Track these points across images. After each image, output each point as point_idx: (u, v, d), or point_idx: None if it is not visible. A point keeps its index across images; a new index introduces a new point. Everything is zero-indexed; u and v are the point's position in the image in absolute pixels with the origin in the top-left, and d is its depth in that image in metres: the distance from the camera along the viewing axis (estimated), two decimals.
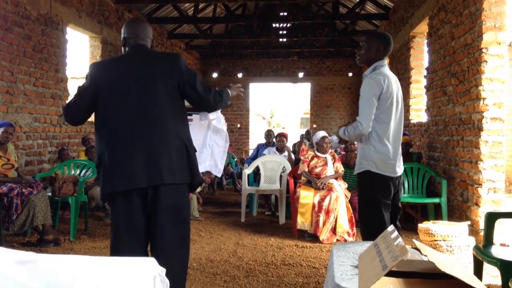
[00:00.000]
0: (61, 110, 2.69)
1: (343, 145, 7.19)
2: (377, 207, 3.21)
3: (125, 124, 2.43)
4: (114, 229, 2.53)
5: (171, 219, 2.48)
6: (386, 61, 3.32)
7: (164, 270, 1.52)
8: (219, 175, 3.88)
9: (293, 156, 7.19)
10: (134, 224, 2.46)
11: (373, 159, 3.19)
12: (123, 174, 2.40)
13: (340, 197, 5.32)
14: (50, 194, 5.37)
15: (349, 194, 5.65)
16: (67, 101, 2.65)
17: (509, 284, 2.42)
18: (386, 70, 3.28)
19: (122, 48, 2.67)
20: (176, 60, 2.56)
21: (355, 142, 6.88)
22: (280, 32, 14.29)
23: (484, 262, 3.06)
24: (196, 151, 2.63)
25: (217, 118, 3.46)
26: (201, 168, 3.83)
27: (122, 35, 2.65)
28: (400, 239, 1.54)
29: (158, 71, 2.49)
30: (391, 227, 1.72)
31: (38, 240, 4.89)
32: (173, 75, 2.50)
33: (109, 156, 2.44)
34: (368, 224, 3.29)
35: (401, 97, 3.34)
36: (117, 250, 2.49)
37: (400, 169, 3.30)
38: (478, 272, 3.14)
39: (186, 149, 2.50)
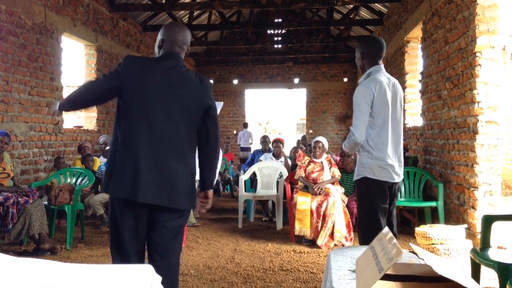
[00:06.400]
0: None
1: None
2: (374, 211, 3.21)
3: (146, 138, 2.40)
4: (114, 232, 2.51)
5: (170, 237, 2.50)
6: (382, 66, 3.31)
7: (160, 278, 1.52)
8: (213, 184, 3.88)
9: (289, 162, 7.19)
10: (136, 232, 2.47)
11: (369, 166, 3.19)
12: (131, 184, 2.36)
13: (337, 202, 5.32)
14: (46, 202, 5.34)
15: (346, 199, 5.65)
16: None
17: (507, 286, 2.42)
18: (380, 75, 3.23)
19: (157, 50, 2.61)
20: (209, 87, 2.56)
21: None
22: (275, 38, 14.36)
23: (482, 265, 3.06)
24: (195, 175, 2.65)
25: None
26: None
27: (160, 37, 2.57)
28: (394, 241, 1.54)
29: (190, 94, 2.47)
30: (386, 229, 1.72)
31: (35, 249, 4.86)
32: (202, 102, 2.50)
33: (122, 161, 2.40)
34: (365, 229, 3.30)
35: (401, 101, 3.32)
36: (118, 252, 2.49)
37: (398, 176, 3.27)
38: (476, 275, 3.15)
39: (191, 176, 2.52)
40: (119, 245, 2.48)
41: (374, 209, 3.21)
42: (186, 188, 2.47)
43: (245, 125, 15.07)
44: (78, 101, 2.55)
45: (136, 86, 2.43)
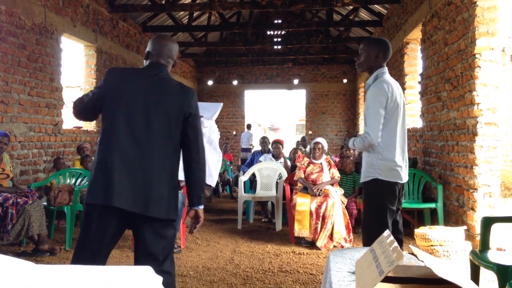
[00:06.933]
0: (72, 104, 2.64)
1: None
2: (383, 213, 3.22)
3: (123, 143, 2.39)
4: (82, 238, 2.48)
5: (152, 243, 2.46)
6: (386, 67, 3.32)
7: (160, 278, 1.51)
8: (213, 185, 3.88)
9: (289, 163, 7.19)
10: (104, 238, 2.43)
11: (380, 167, 3.19)
12: (105, 190, 2.35)
13: (336, 203, 5.31)
14: (45, 203, 5.34)
15: (345, 200, 5.65)
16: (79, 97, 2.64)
17: None
18: (388, 77, 3.28)
19: (144, 61, 2.65)
20: (190, 95, 2.53)
21: (351, 149, 6.90)
22: (275, 39, 14.36)
23: (481, 267, 3.06)
24: (179, 184, 2.58)
25: (210, 127, 3.48)
26: None
27: (147, 49, 2.62)
28: (395, 244, 1.54)
29: (169, 100, 2.46)
30: (387, 232, 1.72)
31: (34, 250, 4.86)
32: (182, 108, 2.47)
33: (101, 168, 2.40)
34: (372, 230, 3.28)
35: (403, 103, 3.35)
36: (80, 255, 2.46)
37: (406, 176, 3.31)
38: (475, 277, 3.15)
39: (170, 184, 2.46)
40: (85, 251, 2.44)
41: (383, 211, 3.21)
42: (163, 196, 2.41)
43: (248, 127, 15.29)
44: (76, 112, 2.61)
45: (115, 94, 2.45)
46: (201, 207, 2.58)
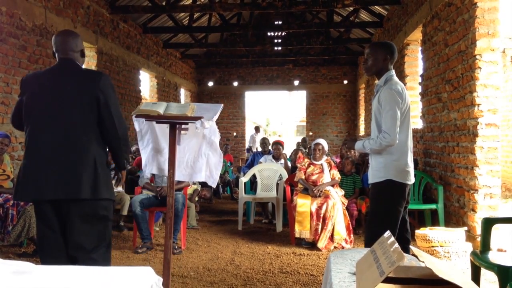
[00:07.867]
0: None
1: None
2: (392, 214, 3.23)
3: (41, 139, 2.61)
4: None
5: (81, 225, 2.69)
6: (393, 70, 3.35)
7: (161, 279, 1.52)
8: (214, 185, 3.88)
9: (289, 164, 7.19)
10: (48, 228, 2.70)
11: (394, 169, 3.21)
12: (33, 186, 2.59)
13: (337, 204, 5.32)
14: None
15: (346, 201, 5.65)
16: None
17: None
18: (397, 79, 3.31)
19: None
20: (98, 78, 2.70)
21: (351, 150, 6.89)
22: (275, 40, 14.36)
23: (482, 268, 3.06)
24: (109, 166, 2.81)
25: (211, 128, 3.46)
26: (197, 178, 3.83)
27: (53, 48, 2.82)
28: (396, 245, 1.54)
29: (78, 88, 2.64)
30: (387, 233, 1.72)
31: (34, 250, 4.86)
32: (93, 93, 2.64)
33: (25, 166, 2.64)
34: (377, 230, 3.26)
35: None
36: (40, 250, 2.78)
37: (413, 177, 3.35)
38: (476, 278, 3.14)
39: (95, 167, 2.65)
40: (42, 248, 2.74)
41: (393, 212, 3.23)
42: (88, 179, 2.61)
43: (256, 129, 15.81)
44: (13, 126, 2.90)
45: (30, 99, 2.68)
46: (124, 171, 3.04)
